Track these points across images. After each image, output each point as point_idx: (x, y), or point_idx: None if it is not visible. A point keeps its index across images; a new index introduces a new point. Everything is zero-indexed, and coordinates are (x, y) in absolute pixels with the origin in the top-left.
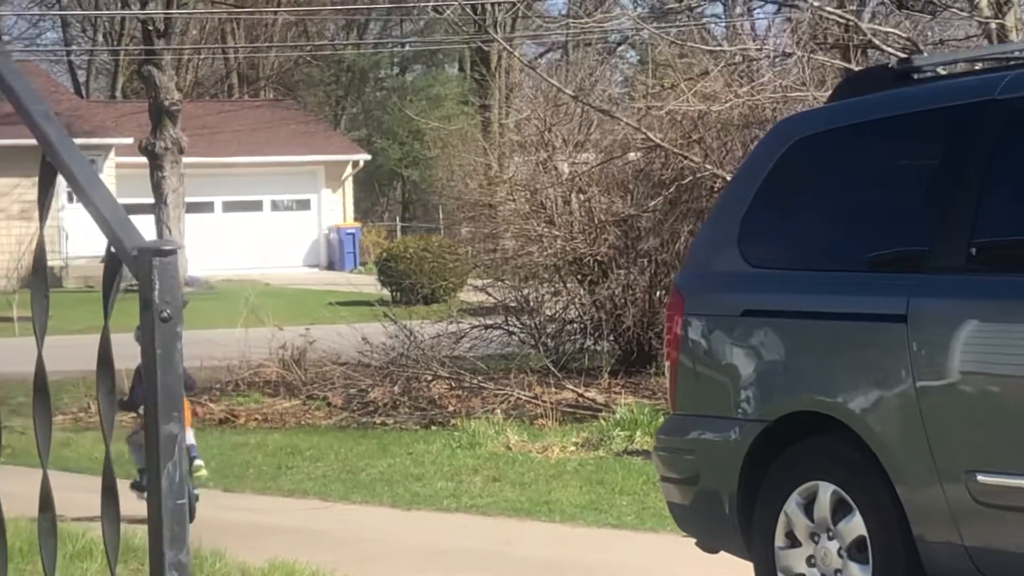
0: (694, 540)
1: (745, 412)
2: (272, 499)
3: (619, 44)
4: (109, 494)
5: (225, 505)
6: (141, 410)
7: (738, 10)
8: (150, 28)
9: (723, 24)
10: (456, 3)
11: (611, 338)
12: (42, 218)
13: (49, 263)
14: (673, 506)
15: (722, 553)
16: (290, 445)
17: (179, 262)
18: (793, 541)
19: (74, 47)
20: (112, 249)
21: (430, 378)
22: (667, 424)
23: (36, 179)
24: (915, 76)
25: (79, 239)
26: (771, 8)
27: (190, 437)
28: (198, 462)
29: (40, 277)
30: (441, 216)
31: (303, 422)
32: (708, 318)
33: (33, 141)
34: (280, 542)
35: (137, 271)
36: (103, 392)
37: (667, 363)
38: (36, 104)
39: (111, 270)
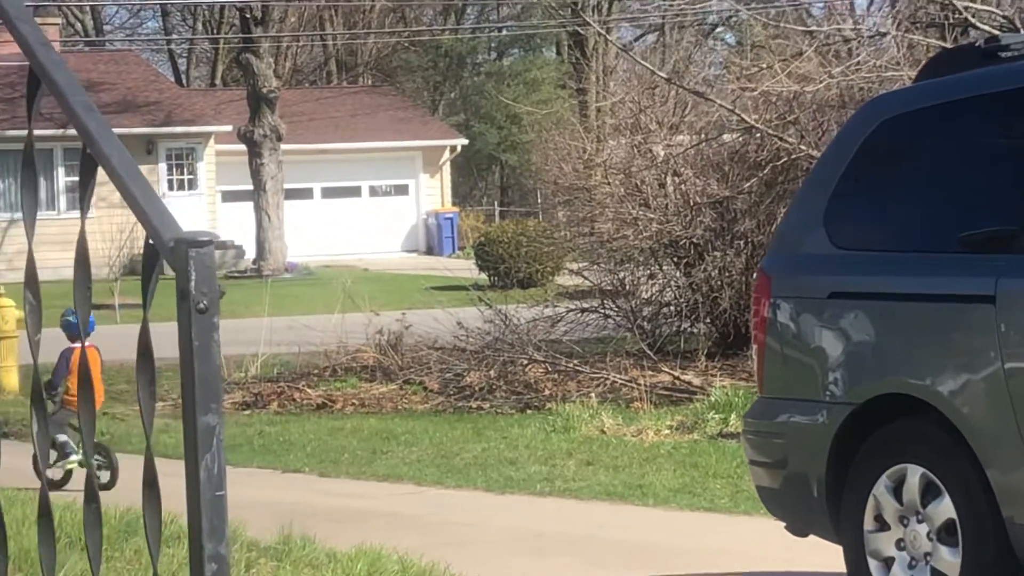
0: (783, 524)
1: (833, 395)
2: (367, 484)
3: (716, 26)
4: (151, 487)
5: (320, 490)
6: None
7: None
8: (248, 16)
9: (821, 4)
10: None
11: (707, 320)
12: (83, 210)
13: None
14: (762, 489)
15: (812, 536)
16: (385, 430)
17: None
18: (882, 524)
19: (174, 36)
20: (150, 240)
21: (526, 362)
22: (755, 407)
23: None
24: (1003, 55)
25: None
26: None
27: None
28: (73, 457)
29: (83, 269)
30: (539, 200)
31: (399, 407)
32: (795, 300)
33: (137, 130)
34: (372, 527)
35: (174, 262)
36: (143, 383)
37: (754, 346)
38: (77, 95)
39: (150, 261)
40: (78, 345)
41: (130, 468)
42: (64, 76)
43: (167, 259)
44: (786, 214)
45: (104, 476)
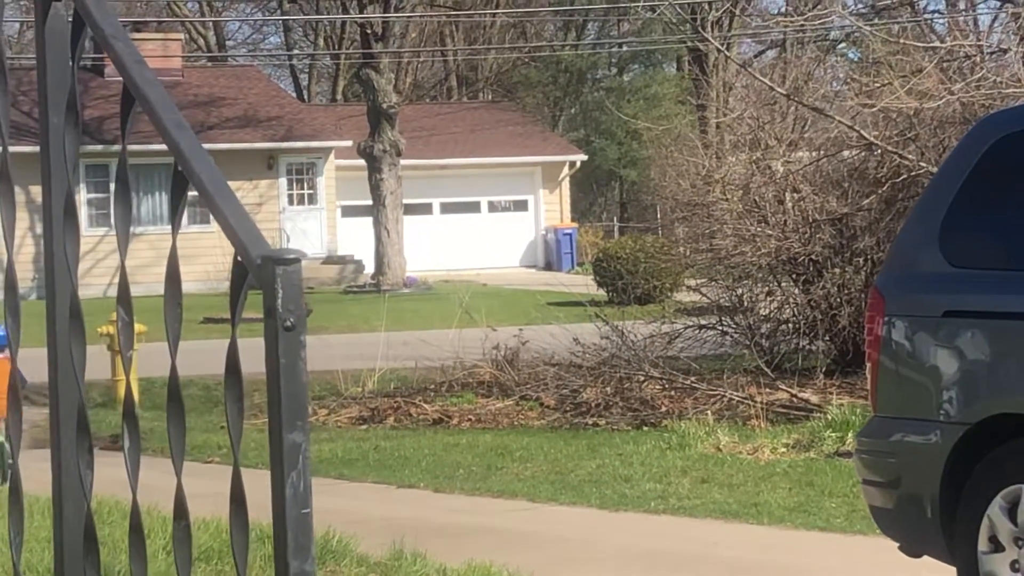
0: (897, 544)
1: (947, 414)
2: (481, 500)
3: (838, 42)
4: (238, 503)
5: (435, 506)
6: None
7: (961, 5)
8: (368, 32)
9: (943, 21)
10: (667, 3)
11: (826, 338)
12: (174, 226)
13: None
14: (875, 509)
15: (925, 557)
16: (501, 446)
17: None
18: (996, 545)
19: (296, 51)
20: (239, 258)
21: (642, 379)
22: (868, 426)
23: (255, 181)
24: None
25: (298, 241)
26: (995, 3)
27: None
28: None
29: (174, 285)
30: (658, 216)
31: (515, 423)
32: (909, 319)
33: (258, 145)
34: (485, 544)
35: (261, 279)
36: (231, 399)
37: (868, 364)
38: (169, 113)
39: (238, 279)
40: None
41: (247, 481)
42: (157, 94)
43: (254, 276)
44: (900, 232)
45: None
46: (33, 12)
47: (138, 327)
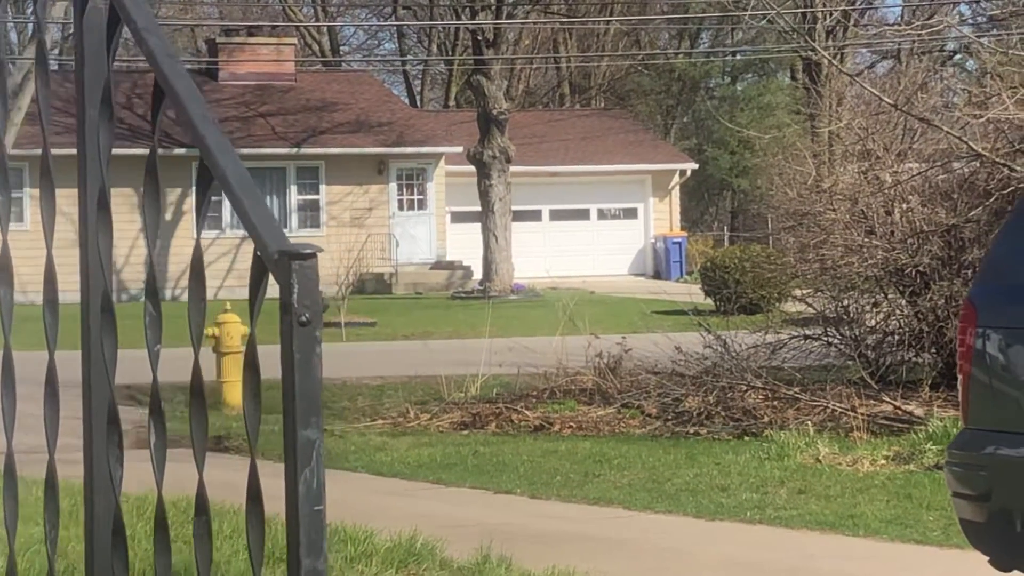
0: (987, 558)
1: None
2: (576, 507)
3: (955, 53)
4: (254, 500)
5: (529, 512)
6: None
7: None
8: (480, 38)
9: None
10: (777, 11)
11: (932, 350)
12: (199, 222)
13: (379, 270)
14: (965, 522)
15: (1016, 572)
16: (599, 453)
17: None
18: None
19: (409, 57)
20: (258, 253)
21: (744, 388)
22: (959, 439)
23: (365, 186)
24: None
25: (407, 246)
26: None
27: None
28: None
29: (198, 281)
30: (769, 226)
31: (616, 430)
32: (1003, 331)
33: (369, 149)
34: (578, 550)
35: (277, 274)
36: (249, 396)
37: (959, 376)
38: (196, 106)
39: (257, 275)
40: None
41: (345, 484)
42: (185, 86)
43: (271, 271)
44: (993, 244)
45: None
46: (72, 6)
47: (244, 328)
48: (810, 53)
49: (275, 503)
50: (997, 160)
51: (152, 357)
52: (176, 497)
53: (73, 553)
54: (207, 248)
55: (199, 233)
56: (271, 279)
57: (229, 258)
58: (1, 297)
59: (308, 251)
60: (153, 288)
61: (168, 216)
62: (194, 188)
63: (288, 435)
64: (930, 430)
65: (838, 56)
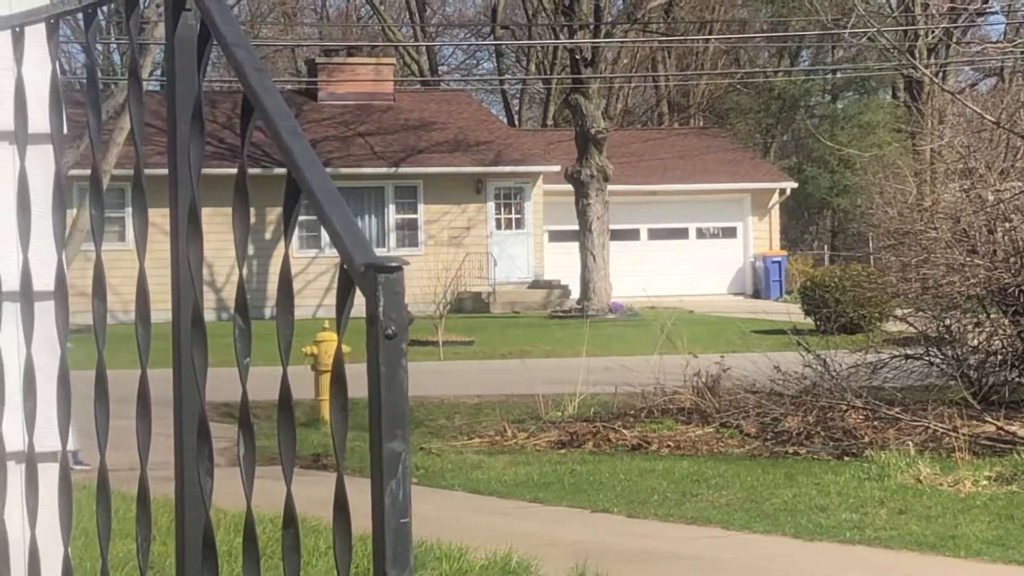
0: None
1: None
2: (673, 526)
3: None
4: (341, 511)
5: (626, 531)
6: None
7: None
8: (578, 57)
9: None
10: (877, 28)
11: None
12: (287, 236)
13: (477, 289)
14: None
15: None
16: (697, 473)
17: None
18: None
19: (507, 76)
20: (344, 266)
21: (845, 408)
22: None
23: (463, 205)
24: None
25: (505, 265)
26: None
27: None
28: None
29: (286, 294)
30: (870, 245)
31: (715, 450)
32: None
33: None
34: (673, 570)
35: (363, 287)
36: (335, 409)
37: None
38: (285, 120)
39: (344, 288)
40: None
41: (441, 500)
42: (273, 101)
43: (358, 284)
44: None
45: None
46: (164, 22)
47: (345, 347)
48: (911, 71)
49: (369, 521)
50: None
51: (241, 370)
52: (273, 514)
53: (170, 568)
54: (307, 267)
55: (288, 246)
56: (359, 294)
57: (328, 276)
58: (95, 310)
59: (394, 264)
60: (243, 302)
61: (267, 235)
62: (283, 201)
63: (374, 447)
64: None
65: (940, 74)
